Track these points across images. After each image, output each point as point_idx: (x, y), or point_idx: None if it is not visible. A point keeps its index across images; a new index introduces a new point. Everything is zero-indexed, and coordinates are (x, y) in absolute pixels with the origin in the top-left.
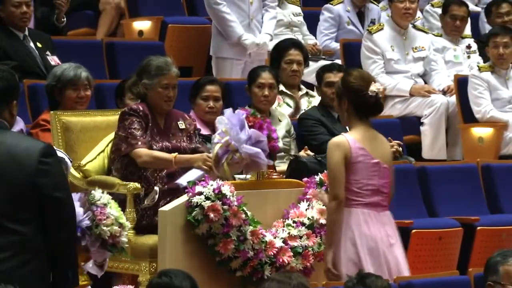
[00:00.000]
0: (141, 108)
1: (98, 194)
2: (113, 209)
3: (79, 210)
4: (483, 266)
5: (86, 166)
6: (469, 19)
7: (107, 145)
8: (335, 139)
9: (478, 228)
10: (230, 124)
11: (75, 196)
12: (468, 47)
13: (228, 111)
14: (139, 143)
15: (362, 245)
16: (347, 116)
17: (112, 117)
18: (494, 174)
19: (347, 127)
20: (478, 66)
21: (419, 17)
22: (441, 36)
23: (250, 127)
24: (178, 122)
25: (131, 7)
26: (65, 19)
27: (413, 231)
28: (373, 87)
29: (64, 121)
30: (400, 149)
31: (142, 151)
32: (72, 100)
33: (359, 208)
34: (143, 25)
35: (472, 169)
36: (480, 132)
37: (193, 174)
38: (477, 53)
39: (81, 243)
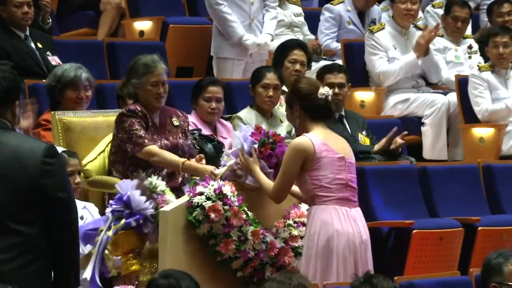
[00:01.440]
0: (138, 108)
1: (155, 181)
2: (170, 195)
3: (140, 198)
4: (481, 267)
5: (87, 166)
6: (470, 20)
7: (107, 145)
8: (297, 139)
9: (479, 228)
10: (241, 146)
11: (132, 183)
12: (470, 47)
13: (244, 131)
14: (146, 141)
15: (337, 245)
16: (300, 122)
17: (113, 118)
18: (495, 174)
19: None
20: (478, 65)
21: (420, 17)
22: (442, 36)
23: (259, 157)
24: (172, 119)
25: (132, 7)
26: (50, 20)
27: (414, 231)
28: (322, 90)
29: (65, 121)
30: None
31: (154, 149)
32: (72, 100)
33: (331, 205)
34: (144, 25)
35: (473, 169)
36: (481, 132)
37: None
38: (478, 53)
39: (142, 231)
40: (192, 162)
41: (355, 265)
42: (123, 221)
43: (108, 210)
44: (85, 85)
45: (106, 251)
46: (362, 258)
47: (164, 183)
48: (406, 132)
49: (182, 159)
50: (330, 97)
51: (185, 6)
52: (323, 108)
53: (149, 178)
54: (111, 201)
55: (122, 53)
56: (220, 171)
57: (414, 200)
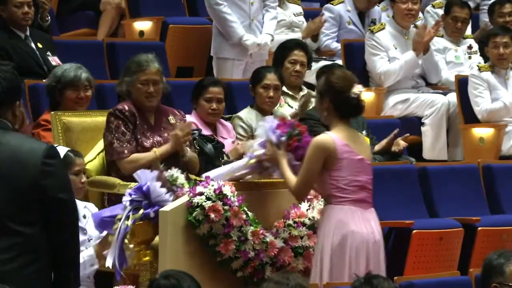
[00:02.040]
0: (126, 108)
1: (176, 173)
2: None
3: (161, 190)
4: (482, 267)
5: (87, 166)
6: (470, 21)
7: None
8: (320, 138)
9: (479, 228)
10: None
11: (151, 174)
12: (470, 47)
13: (270, 122)
14: (126, 151)
15: (351, 244)
16: (327, 115)
17: None
18: (494, 174)
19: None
20: (478, 66)
21: (420, 17)
22: (442, 36)
23: (286, 150)
24: (169, 117)
25: (131, 7)
26: (49, 18)
27: (414, 231)
28: (356, 89)
29: (65, 121)
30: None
31: (126, 164)
32: (72, 100)
33: (347, 205)
34: (144, 25)
35: (473, 169)
36: (481, 132)
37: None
38: (478, 53)
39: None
40: (162, 146)
41: (367, 265)
42: (141, 211)
43: (125, 199)
44: (85, 85)
45: (126, 240)
46: (375, 258)
47: (183, 177)
48: (408, 134)
49: (153, 150)
50: (361, 96)
51: (185, 6)
52: (355, 107)
53: (169, 171)
54: (129, 191)
55: (122, 53)
56: (246, 163)
57: (414, 200)
